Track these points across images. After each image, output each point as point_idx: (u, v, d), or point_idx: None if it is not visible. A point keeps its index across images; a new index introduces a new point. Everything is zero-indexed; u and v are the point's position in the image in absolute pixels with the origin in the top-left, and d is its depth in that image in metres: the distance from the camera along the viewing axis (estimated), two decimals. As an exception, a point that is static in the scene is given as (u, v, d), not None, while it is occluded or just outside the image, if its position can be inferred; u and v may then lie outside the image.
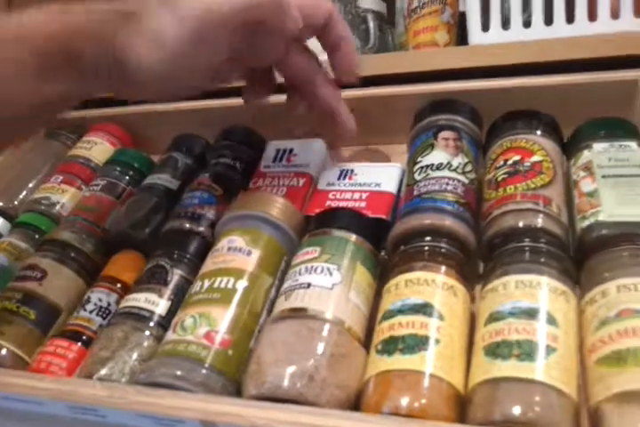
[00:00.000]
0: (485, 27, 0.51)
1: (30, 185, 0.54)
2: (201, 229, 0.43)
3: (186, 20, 0.32)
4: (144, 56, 0.32)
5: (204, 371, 0.32)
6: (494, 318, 0.31)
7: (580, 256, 0.35)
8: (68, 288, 0.43)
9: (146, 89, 0.35)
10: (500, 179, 0.39)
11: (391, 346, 0.31)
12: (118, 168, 0.52)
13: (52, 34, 0.32)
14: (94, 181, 0.51)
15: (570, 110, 0.45)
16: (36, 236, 0.48)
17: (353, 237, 0.38)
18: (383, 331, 0.32)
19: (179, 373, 0.32)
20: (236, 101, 0.54)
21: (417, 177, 0.41)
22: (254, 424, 0.29)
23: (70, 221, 0.47)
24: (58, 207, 0.50)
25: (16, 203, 0.53)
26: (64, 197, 0.51)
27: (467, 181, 0.40)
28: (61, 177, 0.52)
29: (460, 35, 0.56)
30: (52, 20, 0.33)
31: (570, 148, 0.42)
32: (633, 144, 0.39)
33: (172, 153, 0.51)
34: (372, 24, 0.59)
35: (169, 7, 0.32)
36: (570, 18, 0.49)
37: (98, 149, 0.56)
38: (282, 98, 0.52)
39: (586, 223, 0.35)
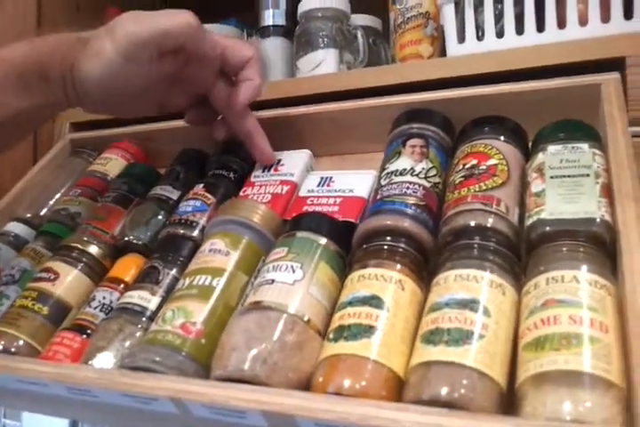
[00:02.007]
0: (461, 39, 0.54)
1: (55, 198, 0.61)
2: (193, 234, 0.48)
3: (117, 41, 0.42)
4: (88, 67, 0.42)
5: (179, 357, 0.37)
6: (433, 308, 0.34)
7: (528, 251, 0.38)
8: (78, 288, 0.48)
9: (98, 100, 0.45)
10: (457, 182, 0.42)
11: (338, 334, 0.34)
12: (127, 181, 0.57)
13: (29, 55, 0.43)
14: (106, 193, 0.57)
15: (540, 115, 0.47)
16: (56, 243, 0.54)
17: (318, 237, 0.41)
18: (334, 321, 0.36)
19: (157, 358, 0.36)
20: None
21: (382, 182, 0.44)
22: (214, 401, 0.33)
23: (83, 229, 0.53)
24: (75, 217, 0.56)
25: (42, 214, 0.59)
26: (80, 207, 0.57)
27: (428, 185, 0.43)
28: (79, 190, 0.58)
29: (444, 46, 0.59)
30: (30, 45, 0.43)
31: (531, 150, 0.45)
32: (585, 146, 0.41)
33: (174, 166, 0.57)
34: (360, 40, 0.63)
35: (109, 33, 0.42)
36: (540, 27, 0.51)
37: (112, 164, 0.62)
38: (273, 113, 0.57)
39: (530, 221, 0.38)
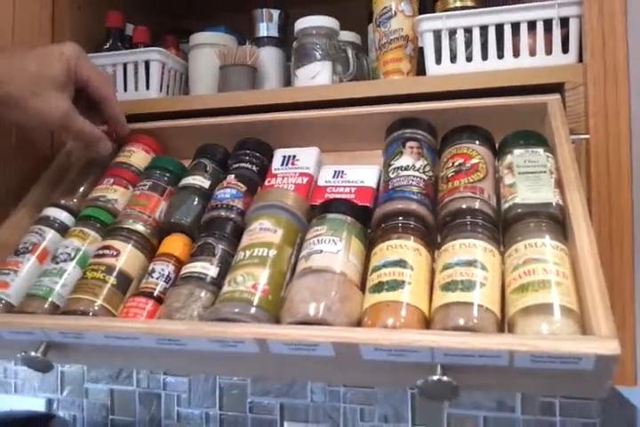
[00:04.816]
0: (438, 61, 0.67)
1: (84, 186, 0.68)
2: (233, 216, 0.58)
3: None
4: None
5: (253, 309, 0.47)
6: (446, 267, 0.48)
7: (505, 226, 0.52)
8: (136, 262, 0.57)
9: None
10: (449, 176, 0.56)
11: (379, 287, 0.47)
12: (158, 172, 0.66)
13: None
14: (141, 182, 0.65)
15: (500, 124, 0.62)
16: (98, 225, 0.62)
17: (348, 218, 0.54)
18: (373, 279, 0.48)
19: (237, 310, 0.47)
20: (245, 118, 0.70)
21: (391, 175, 0.57)
22: (293, 338, 0.44)
23: (127, 213, 0.61)
24: (112, 203, 0.64)
25: (75, 200, 0.67)
26: (116, 194, 0.65)
27: (426, 178, 0.56)
28: (112, 179, 0.66)
29: (419, 64, 0.72)
30: None
31: (499, 152, 0.59)
32: (540, 150, 0.56)
33: (201, 159, 0.66)
34: (350, 54, 0.75)
35: None
36: (500, 55, 0.66)
37: (136, 156, 0.70)
38: (285, 115, 0.68)
39: (507, 205, 0.52)
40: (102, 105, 0.64)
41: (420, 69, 0.72)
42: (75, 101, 0.62)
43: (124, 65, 0.78)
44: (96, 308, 0.53)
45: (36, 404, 1.13)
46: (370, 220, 0.55)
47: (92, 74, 0.61)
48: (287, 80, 0.82)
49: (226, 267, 0.54)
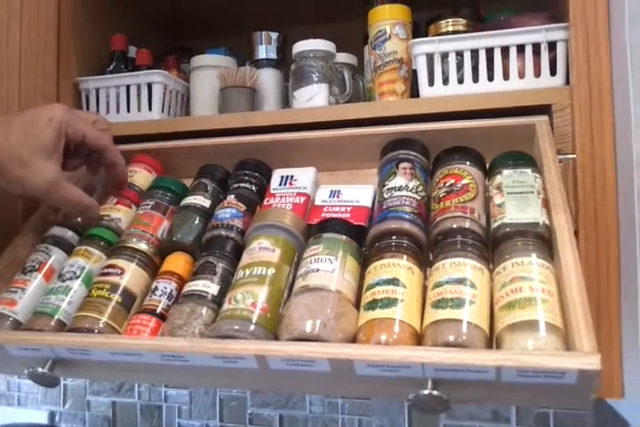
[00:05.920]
0: (431, 83, 0.70)
1: (88, 205, 0.70)
2: (233, 235, 0.61)
3: None
4: None
5: (252, 326, 0.49)
6: (437, 285, 0.50)
7: (494, 245, 0.54)
8: (139, 280, 0.59)
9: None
10: (441, 196, 0.58)
11: (373, 305, 0.49)
12: (160, 191, 0.68)
13: None
14: (144, 201, 0.67)
15: (491, 145, 0.64)
16: (102, 243, 0.65)
17: (343, 237, 0.56)
18: (367, 297, 0.50)
19: (237, 327, 0.49)
20: (245, 139, 0.72)
21: (385, 196, 0.59)
22: (291, 354, 0.46)
23: (132, 232, 0.64)
24: (116, 222, 0.66)
25: (80, 220, 0.69)
26: (119, 214, 0.67)
27: (419, 198, 0.59)
28: (116, 199, 0.69)
29: (413, 85, 0.75)
30: None
31: (489, 172, 0.61)
32: (529, 170, 0.58)
33: (202, 179, 0.68)
34: (347, 76, 0.77)
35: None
36: (490, 77, 0.68)
37: (138, 175, 0.72)
38: (284, 136, 0.70)
39: (496, 224, 0.54)
40: (103, 154, 0.65)
41: (414, 91, 0.75)
42: (73, 154, 0.64)
43: (127, 87, 0.81)
44: (101, 325, 0.55)
45: (39, 416, 1.14)
46: (365, 238, 0.58)
47: (85, 130, 0.62)
48: (285, 100, 0.85)
49: (226, 285, 0.56)
